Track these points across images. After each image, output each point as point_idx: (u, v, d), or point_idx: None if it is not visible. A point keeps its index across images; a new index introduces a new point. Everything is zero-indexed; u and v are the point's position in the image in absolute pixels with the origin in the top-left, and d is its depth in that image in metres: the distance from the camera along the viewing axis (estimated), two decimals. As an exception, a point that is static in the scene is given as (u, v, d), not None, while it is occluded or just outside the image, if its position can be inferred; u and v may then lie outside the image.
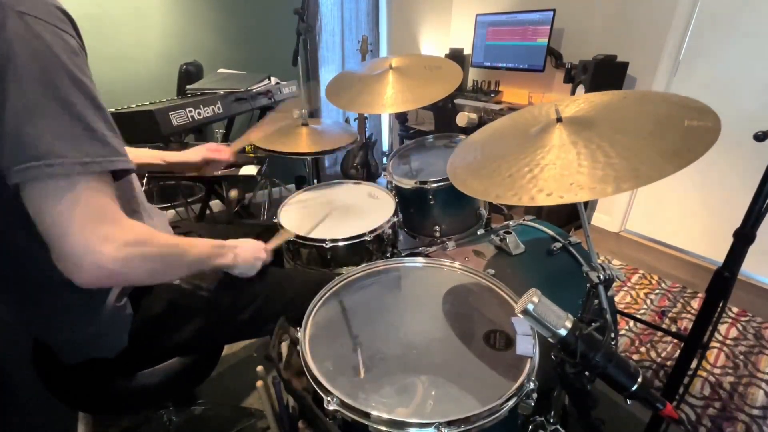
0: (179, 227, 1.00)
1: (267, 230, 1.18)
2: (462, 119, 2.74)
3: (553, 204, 0.58)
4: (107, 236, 0.51)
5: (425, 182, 1.32)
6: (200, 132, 2.20)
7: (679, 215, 2.29)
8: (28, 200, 0.48)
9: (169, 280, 0.77)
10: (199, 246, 0.70)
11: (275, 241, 0.95)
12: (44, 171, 0.46)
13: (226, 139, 2.24)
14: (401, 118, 3.38)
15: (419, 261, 0.94)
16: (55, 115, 0.48)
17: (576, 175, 0.61)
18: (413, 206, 1.40)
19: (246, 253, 0.81)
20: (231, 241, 0.81)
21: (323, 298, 0.81)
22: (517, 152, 0.73)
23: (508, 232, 1.09)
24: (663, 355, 1.54)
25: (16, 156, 0.46)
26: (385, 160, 3.38)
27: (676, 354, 1.23)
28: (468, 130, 2.56)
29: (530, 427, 0.70)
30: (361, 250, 1.14)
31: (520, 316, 0.54)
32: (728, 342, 1.61)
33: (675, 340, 1.60)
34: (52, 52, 0.48)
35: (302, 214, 1.23)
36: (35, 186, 0.47)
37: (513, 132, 0.85)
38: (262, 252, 0.86)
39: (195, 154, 1.08)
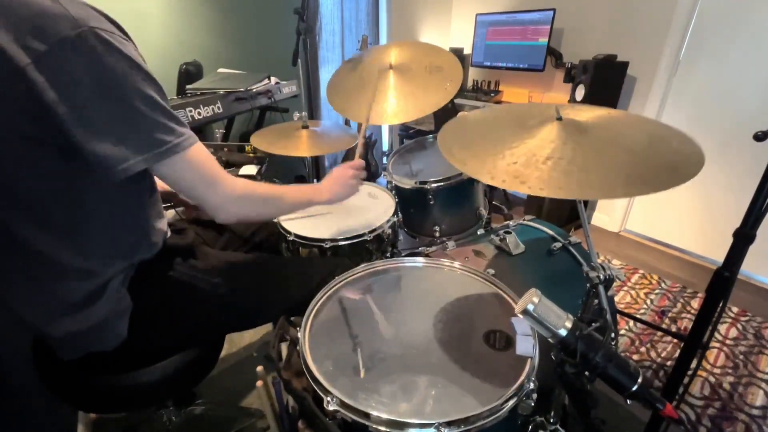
0: (174, 225, 1.00)
1: (263, 227, 1.18)
2: (462, 119, 2.74)
3: (567, 198, 0.58)
4: (220, 197, 0.70)
5: (425, 182, 1.32)
6: (200, 132, 2.20)
7: (679, 215, 2.29)
8: (162, 175, 0.64)
9: (277, 217, 1.13)
10: (293, 193, 0.86)
11: (359, 150, 1.08)
12: (171, 149, 0.62)
13: (226, 139, 2.24)
14: (401, 117, 3.37)
15: (419, 261, 0.94)
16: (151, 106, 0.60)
17: (588, 173, 0.60)
18: (413, 206, 1.40)
19: (335, 187, 0.95)
20: (320, 183, 0.96)
21: (323, 298, 0.81)
22: (520, 139, 0.71)
23: (508, 232, 1.09)
24: (663, 355, 1.54)
25: (146, 141, 0.60)
26: (385, 160, 3.38)
27: (676, 354, 1.23)
28: (468, 130, 2.55)
29: (530, 427, 0.70)
30: (361, 250, 1.14)
31: (520, 316, 0.54)
32: (728, 342, 1.61)
33: (675, 340, 1.60)
34: (132, 61, 0.58)
35: (302, 214, 1.23)
36: (164, 163, 0.62)
37: (509, 121, 0.82)
38: (348, 172, 0.98)
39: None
